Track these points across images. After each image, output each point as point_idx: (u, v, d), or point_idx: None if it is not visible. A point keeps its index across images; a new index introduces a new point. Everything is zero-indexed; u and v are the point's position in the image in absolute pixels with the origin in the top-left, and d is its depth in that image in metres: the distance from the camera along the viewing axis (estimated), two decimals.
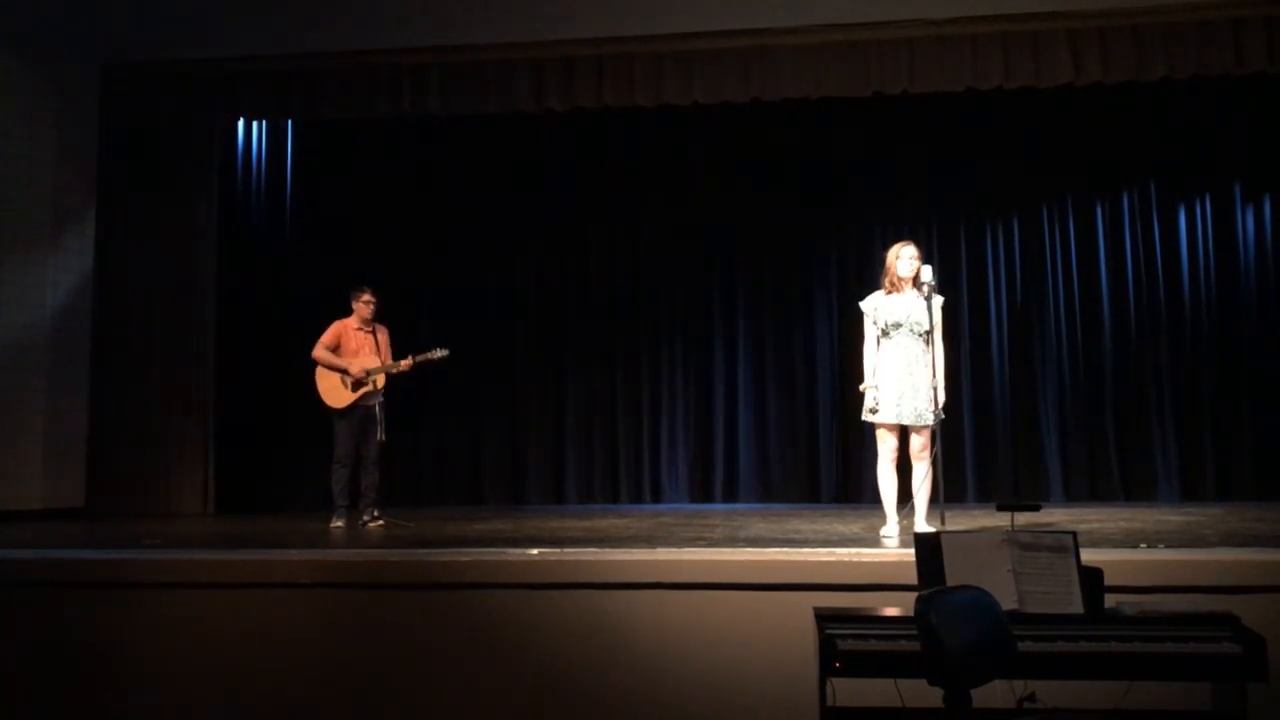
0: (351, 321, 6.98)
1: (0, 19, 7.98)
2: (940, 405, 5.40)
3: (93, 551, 5.52)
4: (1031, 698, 3.27)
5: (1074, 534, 3.36)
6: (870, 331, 5.62)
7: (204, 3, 8.10)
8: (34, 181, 8.08)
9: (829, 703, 3.26)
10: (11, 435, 7.85)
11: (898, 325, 5.50)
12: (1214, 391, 8.54)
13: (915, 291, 5.54)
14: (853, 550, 4.76)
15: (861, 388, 5.64)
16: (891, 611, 3.54)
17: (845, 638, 3.24)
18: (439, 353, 6.89)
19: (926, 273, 5.49)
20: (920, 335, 5.47)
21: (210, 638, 4.66)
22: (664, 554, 4.82)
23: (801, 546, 5.11)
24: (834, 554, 4.70)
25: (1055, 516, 6.52)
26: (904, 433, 5.55)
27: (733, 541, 5.43)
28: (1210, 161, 8.69)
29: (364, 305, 6.96)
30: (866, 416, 5.59)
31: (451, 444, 9.39)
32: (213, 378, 8.38)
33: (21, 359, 7.95)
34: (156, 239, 8.37)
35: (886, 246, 5.90)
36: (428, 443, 9.35)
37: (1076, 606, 3.25)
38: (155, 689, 4.62)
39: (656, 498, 9.14)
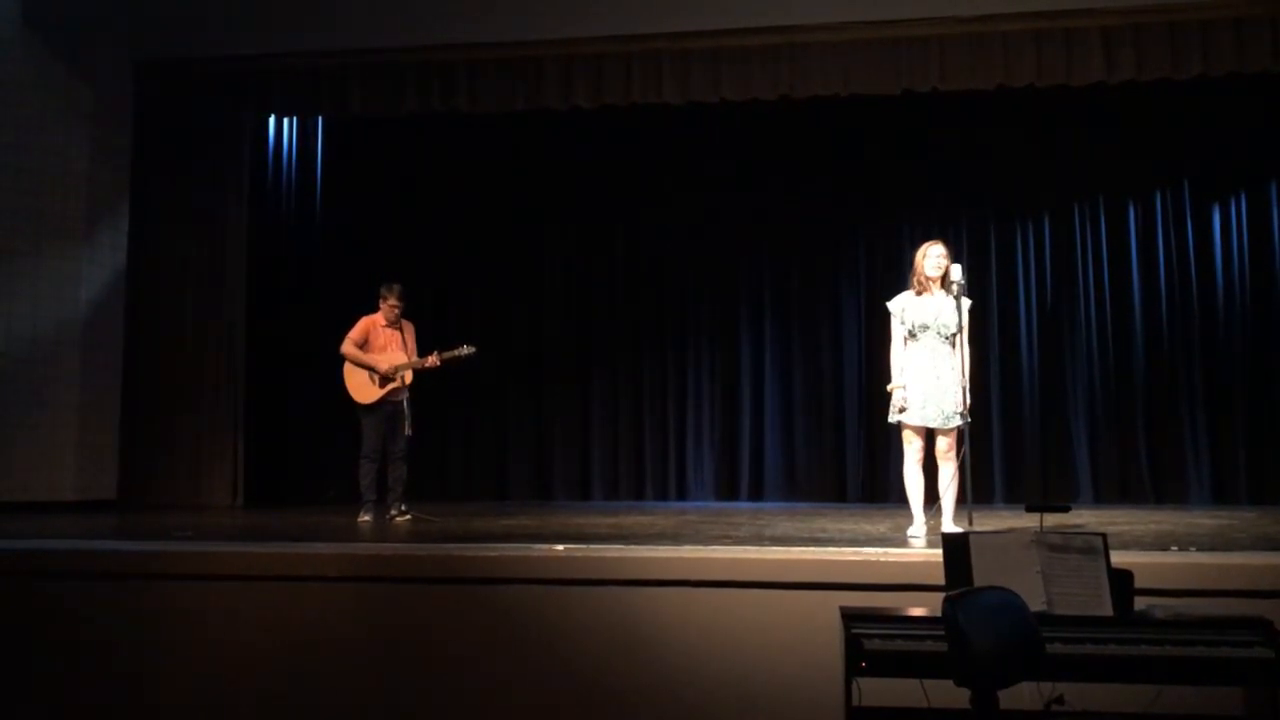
0: (379, 318, 7.00)
1: (36, 16, 8.10)
2: (966, 407, 5.37)
3: (123, 543, 5.58)
4: (1060, 700, 3.25)
5: (1104, 535, 3.33)
6: (897, 331, 5.57)
7: (236, 1, 8.17)
8: (68, 176, 8.19)
9: (855, 702, 3.25)
10: (45, 428, 7.96)
11: (925, 327, 5.45)
12: (1247, 393, 8.42)
13: (944, 292, 5.49)
14: (879, 550, 4.74)
15: (889, 388, 5.60)
16: (918, 612, 3.52)
17: (871, 637, 3.23)
18: (465, 350, 6.91)
19: (956, 272, 5.44)
20: (947, 338, 5.43)
21: (238, 630, 4.70)
22: (689, 552, 4.81)
23: (828, 546, 5.10)
24: (860, 553, 4.68)
25: (1085, 518, 6.45)
26: (930, 434, 5.52)
27: (759, 540, 5.42)
28: (1245, 160, 8.57)
29: (390, 309, 6.97)
30: (894, 417, 5.55)
31: (478, 439, 9.43)
32: (242, 372, 8.45)
33: (55, 352, 8.06)
34: (188, 234, 8.45)
35: (915, 245, 5.86)
36: (455, 438, 9.39)
37: (1106, 609, 3.23)
38: (183, 680, 4.66)
39: (682, 495, 9.14)
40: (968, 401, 5.38)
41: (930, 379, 5.42)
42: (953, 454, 5.43)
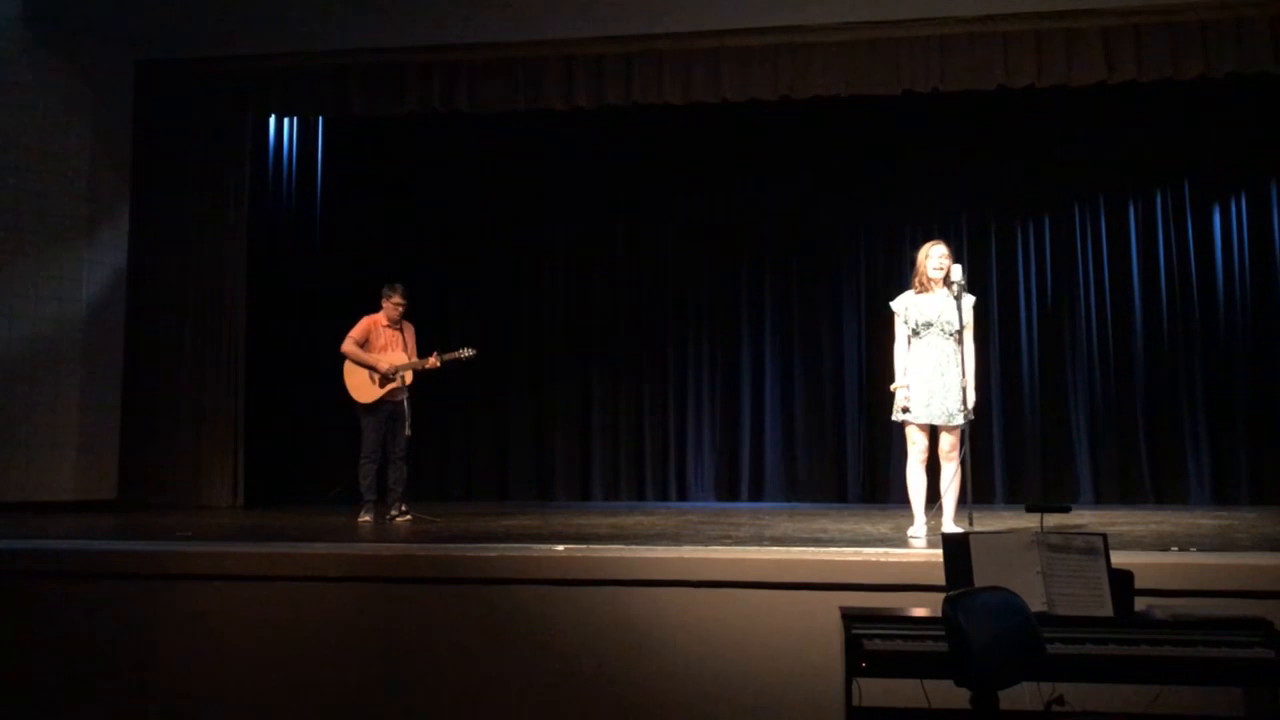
0: (380, 318, 7.01)
1: (38, 16, 8.09)
2: (970, 406, 5.38)
3: (124, 543, 5.58)
4: (1060, 700, 3.24)
5: (1104, 536, 3.33)
6: (901, 331, 5.59)
7: (237, 1, 8.16)
8: (69, 176, 8.19)
9: (855, 703, 3.24)
10: (45, 428, 7.96)
11: (928, 325, 5.48)
12: (1248, 393, 8.42)
13: (946, 291, 5.51)
14: (880, 550, 4.75)
15: (892, 387, 5.61)
16: (919, 612, 3.52)
17: (872, 638, 3.23)
18: (466, 352, 6.93)
19: (956, 272, 5.47)
20: (951, 335, 5.44)
21: (239, 630, 4.70)
22: (690, 552, 4.81)
23: (828, 546, 5.10)
24: (861, 554, 4.69)
25: (1085, 518, 6.46)
26: (934, 433, 5.52)
27: (759, 540, 5.42)
28: (1246, 160, 8.55)
29: (394, 307, 6.98)
30: (897, 416, 5.57)
31: (479, 440, 9.43)
32: (242, 371, 8.44)
33: (55, 352, 8.06)
34: (188, 233, 8.45)
35: (916, 245, 5.88)
36: (455, 438, 9.39)
37: (1106, 609, 3.23)
38: (185, 680, 4.67)
39: (682, 496, 9.14)
40: (971, 400, 5.39)
41: (935, 377, 5.44)
42: (956, 453, 5.43)
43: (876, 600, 4.14)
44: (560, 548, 4.90)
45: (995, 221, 9.00)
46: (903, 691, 3.36)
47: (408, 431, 6.83)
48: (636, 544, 5.16)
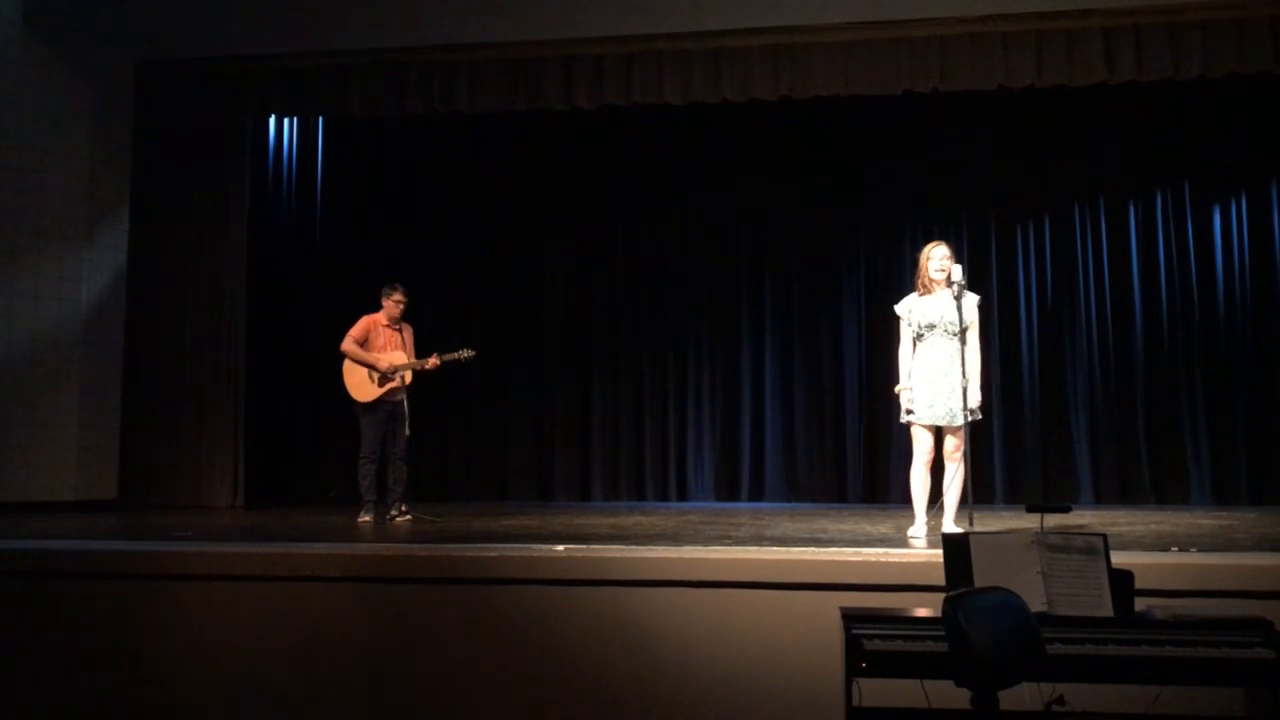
0: (380, 317, 7.02)
1: (38, 16, 8.10)
2: (976, 404, 5.39)
3: (124, 543, 5.58)
4: (1060, 700, 3.25)
5: (1104, 536, 3.33)
6: (906, 333, 5.62)
7: (237, 1, 8.16)
8: (69, 176, 8.19)
9: (855, 703, 3.24)
10: (45, 427, 7.96)
11: (931, 326, 5.49)
12: (1248, 393, 8.41)
13: (947, 292, 5.52)
14: (880, 550, 4.75)
15: (896, 389, 5.63)
16: (919, 612, 3.52)
17: (871, 638, 3.24)
18: (465, 353, 6.94)
19: (957, 272, 5.48)
20: (955, 335, 5.45)
21: (239, 630, 4.70)
22: (690, 552, 4.82)
23: (828, 546, 5.10)
24: (861, 554, 4.69)
25: (1085, 518, 6.46)
26: (939, 433, 5.53)
27: (759, 540, 5.42)
28: (1245, 160, 8.56)
29: (394, 305, 6.99)
30: (904, 418, 5.59)
31: (479, 440, 9.42)
32: (243, 371, 8.44)
33: (56, 352, 8.07)
34: (189, 234, 8.45)
35: (916, 246, 5.88)
36: (455, 438, 9.39)
37: (1106, 609, 3.23)
38: (185, 680, 4.67)
39: (683, 496, 9.13)
40: (976, 398, 5.39)
41: (938, 378, 5.45)
42: (959, 454, 5.44)
43: (876, 600, 4.14)
44: (560, 548, 4.90)
45: (995, 221, 8.98)
46: (903, 691, 3.36)
47: (407, 431, 6.84)
48: (636, 544, 5.17)
